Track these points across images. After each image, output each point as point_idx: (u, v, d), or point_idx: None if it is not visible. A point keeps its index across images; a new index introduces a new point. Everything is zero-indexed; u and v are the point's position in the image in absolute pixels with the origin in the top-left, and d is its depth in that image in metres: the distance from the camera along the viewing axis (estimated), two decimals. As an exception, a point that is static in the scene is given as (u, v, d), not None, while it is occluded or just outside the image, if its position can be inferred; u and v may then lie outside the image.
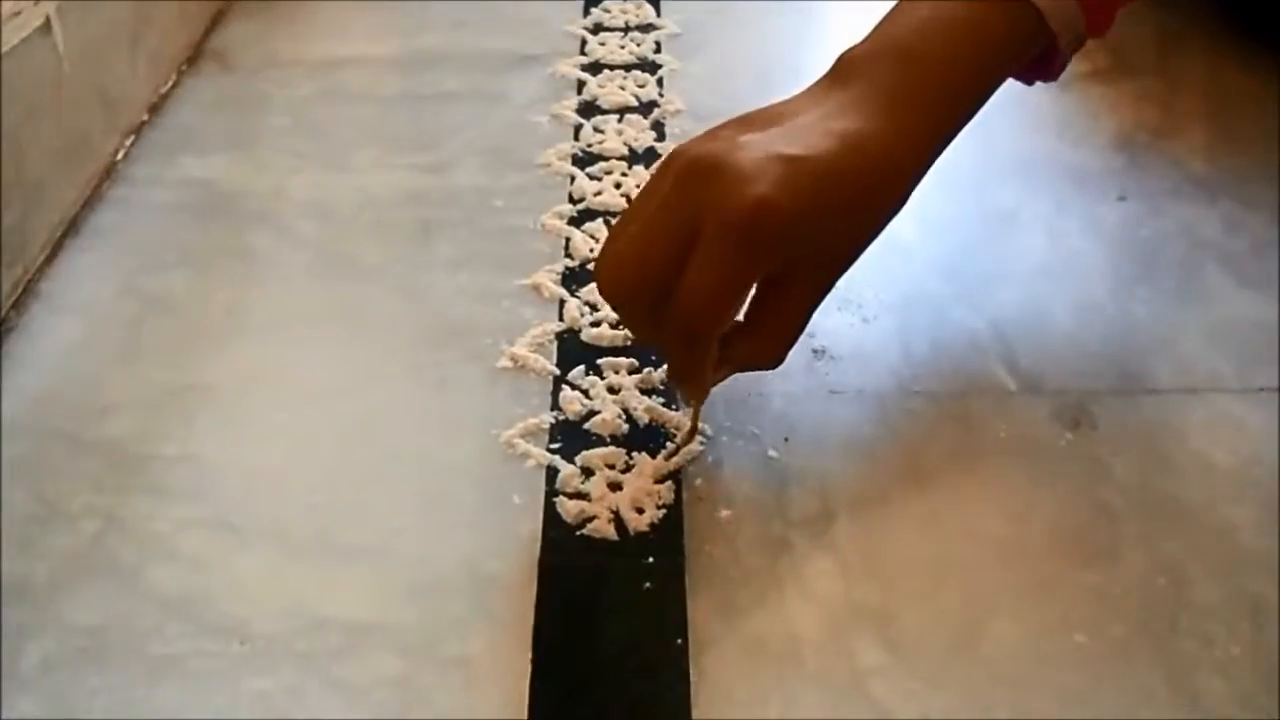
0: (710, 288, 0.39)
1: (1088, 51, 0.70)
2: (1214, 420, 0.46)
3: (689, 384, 0.44)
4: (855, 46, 0.44)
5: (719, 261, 0.38)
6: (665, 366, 0.48)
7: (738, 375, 0.44)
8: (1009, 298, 0.53)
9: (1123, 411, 0.47)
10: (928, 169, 0.43)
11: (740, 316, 0.42)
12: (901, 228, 0.56)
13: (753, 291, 0.42)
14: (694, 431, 0.45)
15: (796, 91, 0.44)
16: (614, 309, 0.42)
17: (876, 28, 0.44)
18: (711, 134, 0.42)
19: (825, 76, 0.44)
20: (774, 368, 0.44)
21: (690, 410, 0.45)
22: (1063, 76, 0.68)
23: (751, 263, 0.39)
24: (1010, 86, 0.67)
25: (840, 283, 0.52)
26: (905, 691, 0.37)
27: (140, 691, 0.38)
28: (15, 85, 0.53)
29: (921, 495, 0.43)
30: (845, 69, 0.43)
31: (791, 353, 0.49)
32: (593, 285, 0.53)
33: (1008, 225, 0.57)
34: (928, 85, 0.42)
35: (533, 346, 0.50)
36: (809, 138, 0.40)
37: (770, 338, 0.43)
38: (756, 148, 0.40)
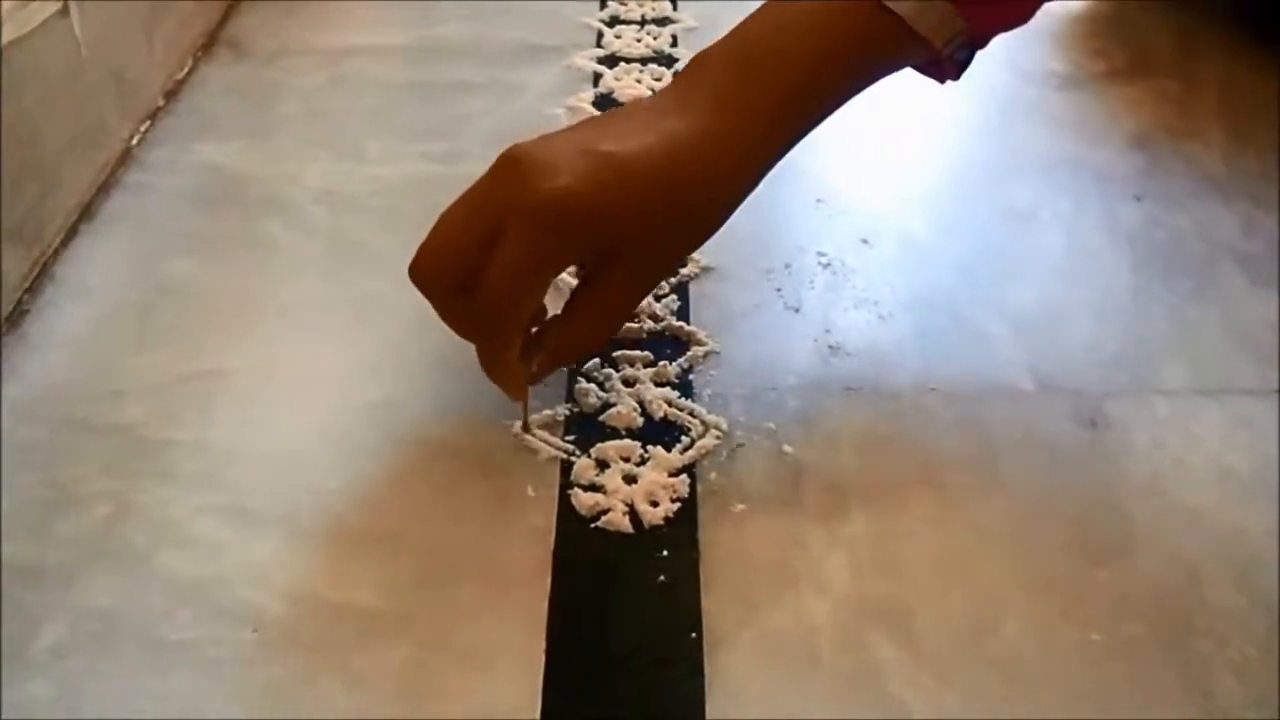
0: (509, 275, 0.40)
1: (1106, 51, 0.70)
2: (1230, 421, 0.46)
3: (499, 375, 0.44)
4: (709, 46, 0.43)
5: (518, 250, 0.39)
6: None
7: (731, 370, 0.46)
8: (1025, 297, 0.52)
9: (1138, 412, 0.47)
10: (759, 173, 0.43)
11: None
12: (917, 225, 0.57)
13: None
14: (525, 427, 0.45)
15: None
16: (427, 299, 0.42)
17: (735, 27, 0.43)
18: (544, 136, 0.42)
19: (677, 74, 0.43)
20: (584, 361, 0.46)
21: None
22: (1081, 76, 0.68)
23: (549, 253, 0.40)
24: (1023, 87, 0.67)
25: (856, 280, 0.53)
26: (919, 687, 0.37)
27: (152, 677, 0.38)
28: (33, 69, 0.53)
29: (937, 493, 0.43)
30: (692, 68, 0.43)
31: (807, 348, 0.49)
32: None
33: (1025, 224, 0.57)
34: (764, 89, 0.42)
35: (547, 338, 0.50)
36: (628, 135, 0.41)
37: (580, 329, 0.43)
38: (569, 143, 0.41)
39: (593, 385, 0.47)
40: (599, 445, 0.45)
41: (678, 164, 0.40)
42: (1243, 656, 0.38)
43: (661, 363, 0.48)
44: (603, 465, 0.44)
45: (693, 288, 0.53)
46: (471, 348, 0.42)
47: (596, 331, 0.44)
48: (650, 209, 0.40)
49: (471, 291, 0.40)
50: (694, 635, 0.38)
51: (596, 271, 0.42)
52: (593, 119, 0.43)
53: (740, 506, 0.43)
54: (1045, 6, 0.44)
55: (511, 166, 0.40)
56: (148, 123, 0.65)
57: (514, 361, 0.43)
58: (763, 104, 0.41)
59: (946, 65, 0.44)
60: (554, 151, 0.40)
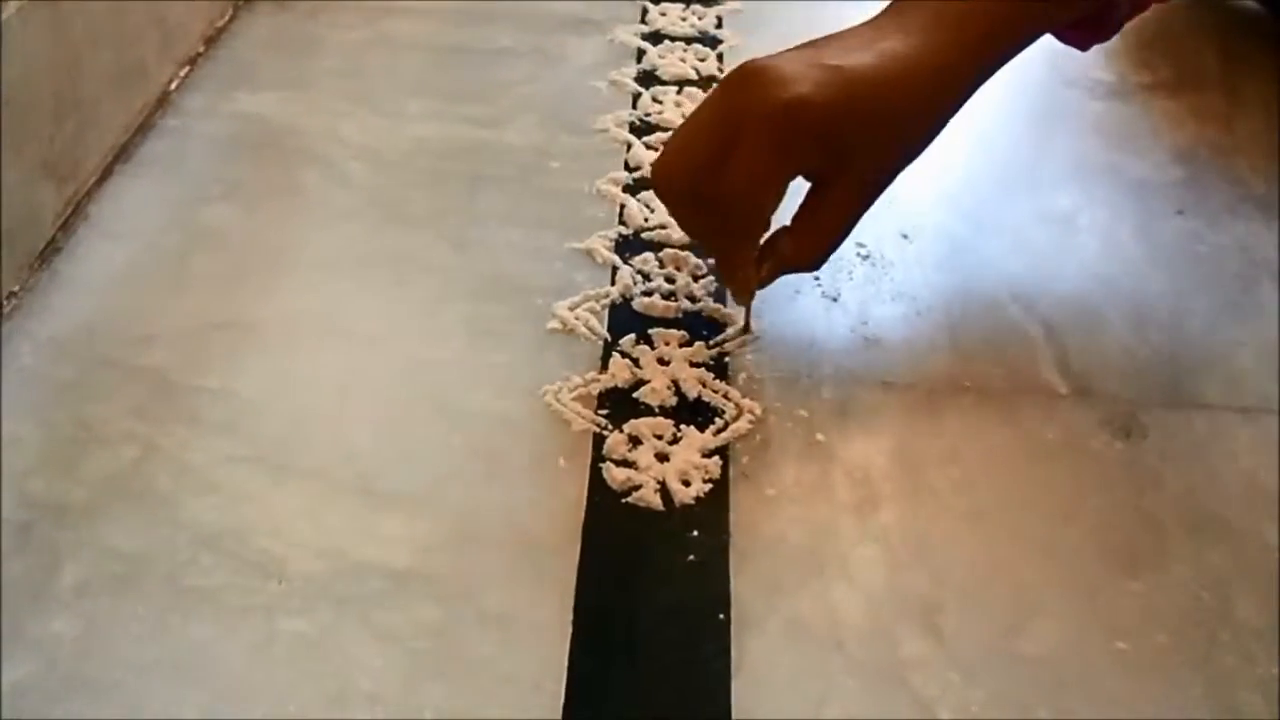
0: (748, 180, 0.43)
1: (1152, 63, 0.70)
2: (1263, 440, 0.46)
3: (734, 280, 0.47)
4: None
5: (755, 156, 0.42)
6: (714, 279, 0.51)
7: (776, 353, 0.46)
8: (1063, 301, 0.52)
9: (1173, 424, 0.46)
10: (967, 93, 0.46)
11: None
12: (957, 223, 0.56)
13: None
14: (746, 328, 0.49)
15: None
16: (665, 205, 0.46)
17: None
18: (773, 54, 0.45)
19: (889, 5, 0.47)
20: (814, 269, 0.48)
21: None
22: (1126, 87, 0.68)
23: (786, 157, 0.43)
24: (1067, 94, 0.67)
25: (894, 273, 0.53)
26: (945, 684, 0.37)
27: (174, 621, 0.38)
28: (77, 8, 0.52)
29: (968, 491, 0.43)
30: None
31: (843, 338, 0.49)
32: (647, 254, 0.52)
33: (1064, 229, 0.57)
34: (974, 17, 0.45)
35: (584, 310, 0.49)
36: (853, 52, 0.44)
37: (811, 238, 0.46)
38: (801, 58, 0.44)
39: (627, 360, 0.47)
40: (632, 421, 0.45)
41: (897, 78, 0.44)
42: (1270, 675, 0.38)
43: (698, 343, 0.48)
44: (635, 441, 0.44)
45: (731, 270, 0.52)
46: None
47: (823, 239, 0.47)
48: (874, 118, 0.44)
49: (711, 197, 0.43)
50: (722, 617, 0.38)
51: (822, 182, 0.45)
52: (813, 41, 0.46)
53: (771, 491, 0.43)
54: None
55: (748, 78, 0.43)
56: (187, 68, 0.64)
57: (749, 264, 0.46)
58: (972, 30, 0.45)
59: (1107, 23, 0.49)
60: (786, 65, 0.43)
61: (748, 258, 0.46)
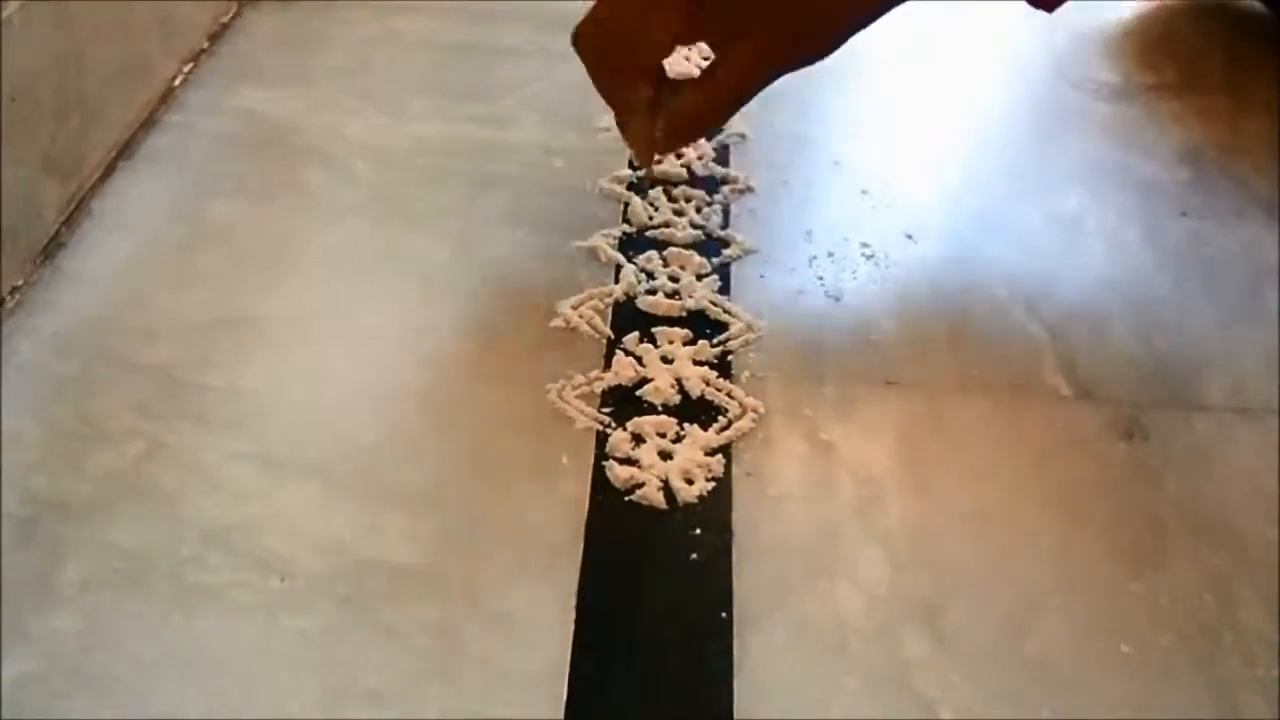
0: (642, 10, 0.44)
1: (1157, 65, 0.70)
2: (1266, 442, 0.46)
3: (630, 128, 0.48)
4: None
5: None
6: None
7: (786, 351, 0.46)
8: (1067, 302, 0.52)
9: (1176, 426, 0.46)
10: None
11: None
12: (961, 224, 0.56)
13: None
14: (645, 181, 0.53)
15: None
16: (580, 58, 0.47)
17: None
18: None
19: None
20: (704, 131, 0.49)
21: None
22: (1131, 88, 0.68)
23: None
24: (1072, 96, 0.67)
25: (897, 272, 0.53)
26: (947, 685, 0.37)
27: (177, 618, 0.38)
28: (81, 4, 0.52)
29: (972, 492, 0.43)
30: None
31: (847, 338, 0.49)
32: (650, 252, 0.52)
33: (1069, 230, 0.57)
34: None
35: (588, 308, 0.49)
36: None
37: (704, 94, 0.47)
38: None
39: (631, 359, 0.47)
40: (635, 419, 0.44)
41: None
42: (1271, 678, 0.38)
43: (701, 341, 0.48)
44: (638, 440, 0.44)
45: (735, 270, 0.52)
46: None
47: (714, 97, 0.48)
48: None
49: (612, 35, 0.45)
50: (724, 615, 0.38)
51: (724, 45, 0.46)
52: None
53: (774, 491, 0.43)
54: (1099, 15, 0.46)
55: None
56: (191, 64, 0.64)
57: (643, 108, 0.47)
58: None
59: None
60: None
61: (642, 101, 0.47)
